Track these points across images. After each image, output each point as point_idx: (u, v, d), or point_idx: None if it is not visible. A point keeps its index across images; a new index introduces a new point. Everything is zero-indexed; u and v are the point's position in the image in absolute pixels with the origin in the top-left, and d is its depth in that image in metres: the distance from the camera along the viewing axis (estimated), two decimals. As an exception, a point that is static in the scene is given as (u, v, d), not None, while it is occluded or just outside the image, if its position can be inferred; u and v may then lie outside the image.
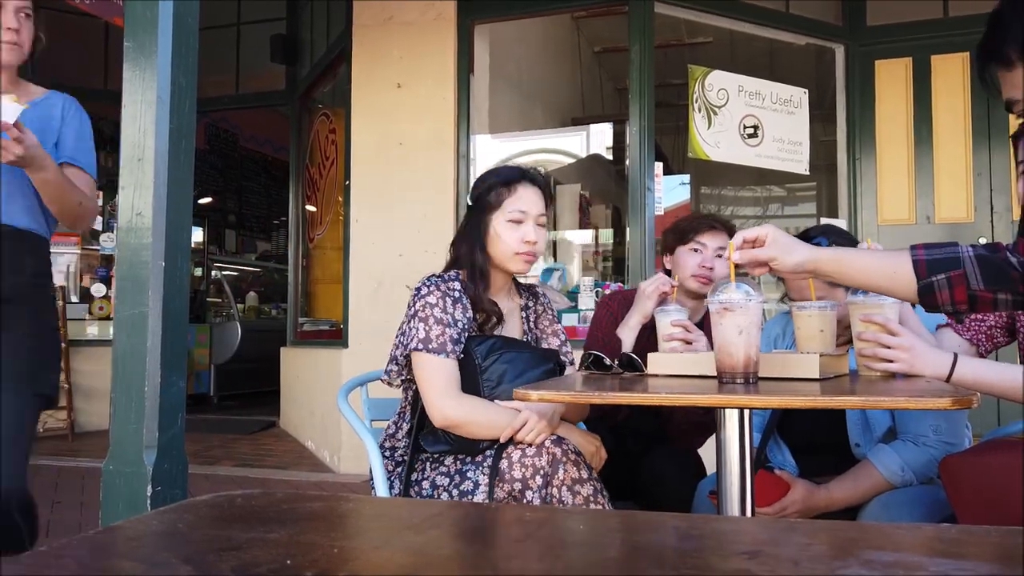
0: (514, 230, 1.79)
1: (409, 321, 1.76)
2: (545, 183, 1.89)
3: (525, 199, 1.82)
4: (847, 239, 1.82)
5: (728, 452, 1.37)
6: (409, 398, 1.85)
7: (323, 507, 0.71)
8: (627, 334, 2.00)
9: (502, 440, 1.66)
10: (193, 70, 1.89)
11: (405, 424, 1.84)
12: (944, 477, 1.47)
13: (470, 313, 1.79)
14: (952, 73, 4.44)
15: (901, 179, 4.49)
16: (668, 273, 2.13)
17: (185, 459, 1.85)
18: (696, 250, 2.08)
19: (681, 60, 4.62)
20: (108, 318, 6.15)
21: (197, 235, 8.48)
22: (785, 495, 1.71)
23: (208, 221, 9.24)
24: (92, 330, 6.21)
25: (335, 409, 1.94)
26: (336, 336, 4.96)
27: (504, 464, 1.61)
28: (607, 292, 2.28)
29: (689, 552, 0.57)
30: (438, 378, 1.70)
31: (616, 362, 1.63)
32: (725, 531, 0.65)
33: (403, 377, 1.83)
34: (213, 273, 8.43)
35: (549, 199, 1.89)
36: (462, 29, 4.37)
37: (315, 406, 4.99)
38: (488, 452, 1.69)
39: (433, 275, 1.82)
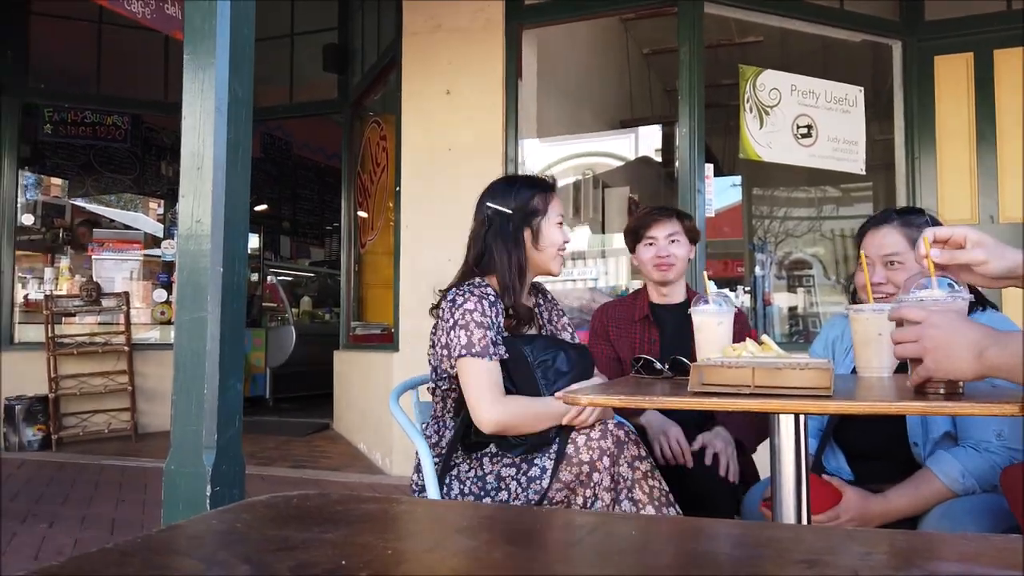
0: (559, 232, 1.92)
1: (449, 332, 1.77)
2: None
3: (559, 204, 1.96)
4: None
5: (783, 458, 1.34)
6: (448, 406, 1.86)
7: (376, 509, 0.72)
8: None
9: (564, 423, 1.73)
10: (249, 81, 1.94)
11: (447, 432, 1.85)
12: (1004, 486, 1.41)
13: (502, 317, 1.82)
14: (1016, 67, 4.27)
15: (963, 178, 4.34)
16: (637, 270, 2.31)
17: (242, 460, 1.89)
18: (650, 244, 2.27)
19: (731, 60, 4.55)
20: (169, 322, 6.35)
21: (253, 241, 8.69)
22: (838, 503, 1.65)
23: (264, 228, 9.45)
24: (154, 334, 6.41)
25: (387, 412, 1.97)
26: (387, 340, 5.01)
27: (571, 448, 1.69)
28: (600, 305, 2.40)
29: (744, 560, 0.56)
30: (484, 383, 1.72)
31: (667, 366, 1.62)
32: (781, 539, 0.63)
33: (443, 388, 1.84)
34: (268, 278, 8.62)
35: None
36: (510, 34, 4.39)
37: (367, 409, 5.06)
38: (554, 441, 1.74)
39: (464, 283, 1.84)
